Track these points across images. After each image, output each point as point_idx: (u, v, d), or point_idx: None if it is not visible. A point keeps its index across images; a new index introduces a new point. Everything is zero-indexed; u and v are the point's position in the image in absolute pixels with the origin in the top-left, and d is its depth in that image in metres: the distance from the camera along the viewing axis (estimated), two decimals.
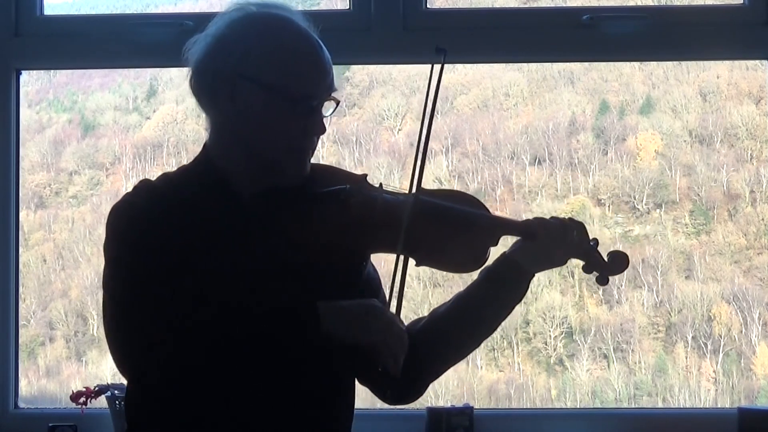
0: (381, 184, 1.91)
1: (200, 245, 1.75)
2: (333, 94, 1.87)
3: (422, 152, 1.85)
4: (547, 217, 1.98)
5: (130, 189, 1.85)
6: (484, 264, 1.93)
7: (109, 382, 2.93)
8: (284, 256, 1.79)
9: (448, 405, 2.91)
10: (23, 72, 3.16)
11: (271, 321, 1.71)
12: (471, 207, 1.94)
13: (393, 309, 1.80)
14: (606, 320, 4.04)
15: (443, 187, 2.05)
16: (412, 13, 3.05)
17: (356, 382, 1.97)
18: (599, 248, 1.97)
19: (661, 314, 4.07)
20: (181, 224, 1.76)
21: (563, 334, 4.07)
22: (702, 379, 3.97)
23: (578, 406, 3.94)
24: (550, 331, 4.06)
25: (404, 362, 1.79)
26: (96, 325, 4.11)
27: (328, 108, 1.87)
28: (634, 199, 4.11)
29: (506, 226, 1.97)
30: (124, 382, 2.90)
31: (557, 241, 1.92)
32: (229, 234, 1.79)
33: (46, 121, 4.38)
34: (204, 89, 1.87)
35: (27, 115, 3.92)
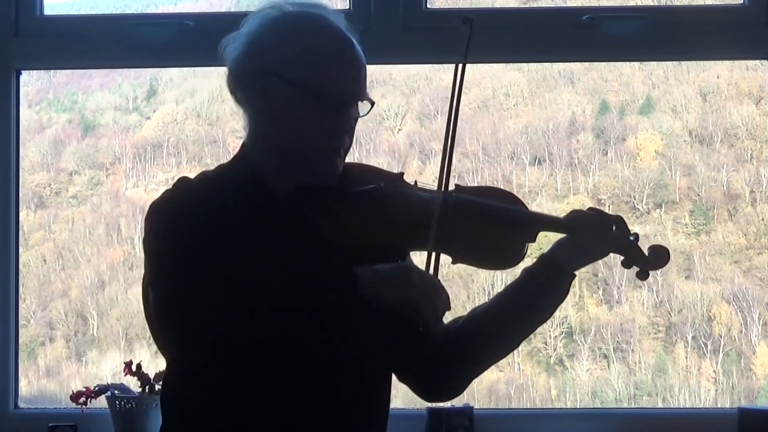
0: (416, 182, 1.91)
1: (236, 245, 1.76)
2: (367, 95, 1.88)
3: (450, 148, 1.87)
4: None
5: (170, 186, 1.88)
6: (521, 260, 1.91)
7: (109, 382, 2.93)
8: (320, 255, 1.80)
9: (448, 405, 2.91)
10: (23, 72, 3.15)
11: (308, 289, 1.71)
12: (508, 203, 1.94)
13: None
14: (606, 320, 4.04)
15: (481, 185, 2.07)
16: (412, 13, 3.05)
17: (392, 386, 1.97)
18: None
19: (661, 314, 4.07)
20: (218, 223, 1.78)
21: (563, 334, 4.07)
22: (702, 379, 3.97)
23: (578, 406, 3.94)
24: (550, 331, 4.06)
25: (442, 358, 1.81)
26: (96, 325, 4.11)
27: (362, 109, 1.88)
28: (634, 199, 4.11)
29: (543, 221, 1.96)
30: (124, 382, 2.92)
31: (595, 234, 1.91)
32: (264, 233, 1.80)
33: (46, 121, 4.38)
34: (239, 87, 1.89)
35: (27, 115, 3.92)
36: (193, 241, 1.75)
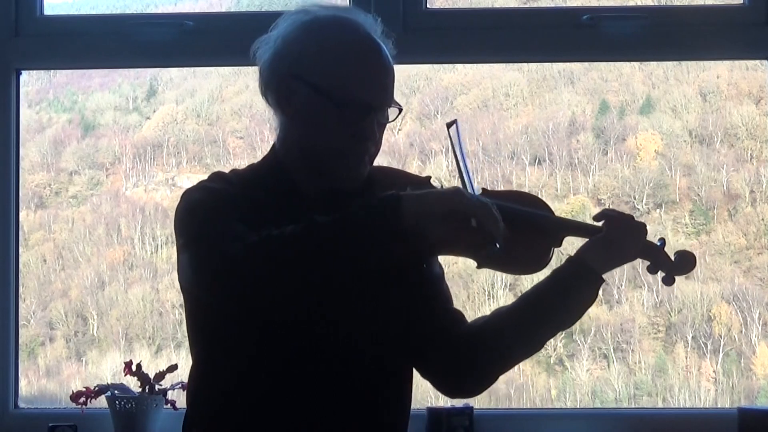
0: (442, 186, 1.90)
1: None
2: (395, 102, 1.88)
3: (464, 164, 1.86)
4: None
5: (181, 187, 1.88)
6: (546, 265, 1.91)
7: (109, 382, 2.93)
8: None
9: (448, 405, 2.91)
10: (23, 72, 3.15)
11: (352, 221, 1.66)
12: (533, 207, 1.93)
13: None
14: (606, 320, 4.04)
15: (509, 189, 2.08)
16: (412, 13, 3.05)
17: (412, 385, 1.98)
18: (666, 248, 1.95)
19: (661, 314, 4.07)
20: (250, 217, 1.76)
21: (563, 334, 4.07)
22: (702, 379, 3.97)
23: (578, 406, 3.94)
24: None
25: (465, 355, 1.83)
26: (96, 325, 4.11)
27: (391, 114, 1.88)
28: (634, 199, 4.10)
29: (569, 226, 1.96)
30: (124, 382, 2.92)
31: (622, 238, 1.90)
32: None
33: (46, 121, 4.37)
34: (268, 90, 1.90)
35: (27, 115, 3.92)
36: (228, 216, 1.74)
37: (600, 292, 1.91)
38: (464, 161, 1.88)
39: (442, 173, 4.14)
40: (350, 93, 1.81)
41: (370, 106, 1.84)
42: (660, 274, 1.94)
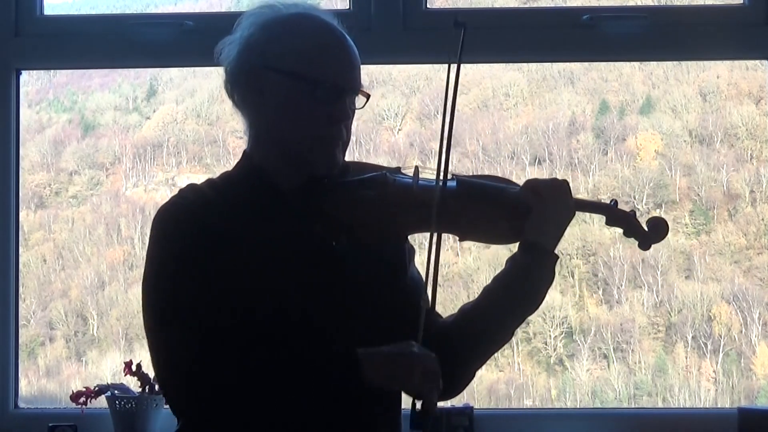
0: (417, 168, 1.95)
1: (245, 245, 1.79)
2: (363, 88, 1.92)
3: (447, 140, 1.90)
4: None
5: (176, 192, 1.90)
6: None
7: (109, 382, 2.93)
8: (327, 245, 1.84)
9: (448, 405, 2.91)
10: (23, 72, 3.16)
11: (309, 367, 1.74)
12: (505, 183, 2.01)
13: (429, 289, 1.84)
14: (606, 320, 4.04)
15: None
16: (412, 13, 3.05)
17: None
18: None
19: (661, 314, 4.07)
20: (228, 223, 1.80)
21: (563, 334, 4.07)
22: (702, 379, 3.97)
23: (578, 406, 3.94)
24: (550, 331, 4.06)
25: (439, 358, 1.82)
26: (96, 325, 4.11)
27: (359, 101, 1.93)
28: (634, 199, 4.10)
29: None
30: (124, 381, 2.92)
31: (548, 202, 1.96)
32: (274, 230, 1.83)
33: (46, 121, 4.37)
34: (236, 87, 1.92)
35: (27, 115, 3.92)
36: (201, 248, 1.77)
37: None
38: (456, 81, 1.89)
39: (442, 173, 4.13)
40: (323, 75, 1.85)
41: (342, 88, 1.88)
42: (619, 229, 2.00)
